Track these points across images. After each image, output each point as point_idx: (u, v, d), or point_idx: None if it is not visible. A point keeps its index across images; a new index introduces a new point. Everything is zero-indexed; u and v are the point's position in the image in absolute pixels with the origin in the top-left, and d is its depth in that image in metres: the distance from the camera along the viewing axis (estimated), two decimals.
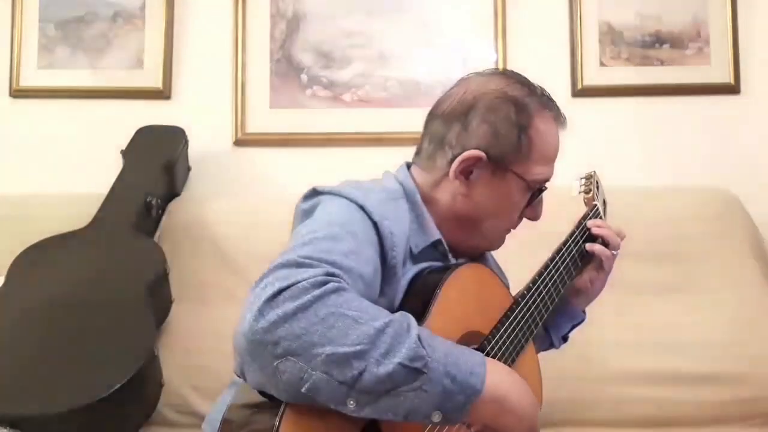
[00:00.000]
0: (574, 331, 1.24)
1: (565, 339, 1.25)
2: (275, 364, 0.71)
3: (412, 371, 0.72)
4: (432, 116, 1.07)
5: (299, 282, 0.73)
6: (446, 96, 1.07)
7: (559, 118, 1.05)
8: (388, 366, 0.71)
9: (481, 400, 0.75)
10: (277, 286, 0.73)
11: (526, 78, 1.06)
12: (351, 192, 0.93)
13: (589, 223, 1.16)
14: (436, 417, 0.73)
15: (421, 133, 1.09)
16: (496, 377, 0.78)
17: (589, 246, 1.14)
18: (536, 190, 1.04)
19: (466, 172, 1.01)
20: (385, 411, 0.72)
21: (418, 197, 1.02)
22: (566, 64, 2.10)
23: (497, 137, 0.99)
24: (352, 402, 0.71)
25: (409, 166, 1.09)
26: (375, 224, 0.90)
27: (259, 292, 0.73)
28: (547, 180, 1.05)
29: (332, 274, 0.76)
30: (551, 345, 1.24)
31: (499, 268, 1.21)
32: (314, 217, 0.91)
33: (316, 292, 0.72)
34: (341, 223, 0.86)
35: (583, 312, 1.22)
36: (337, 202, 0.92)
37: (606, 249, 1.13)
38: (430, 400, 0.72)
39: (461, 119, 1.01)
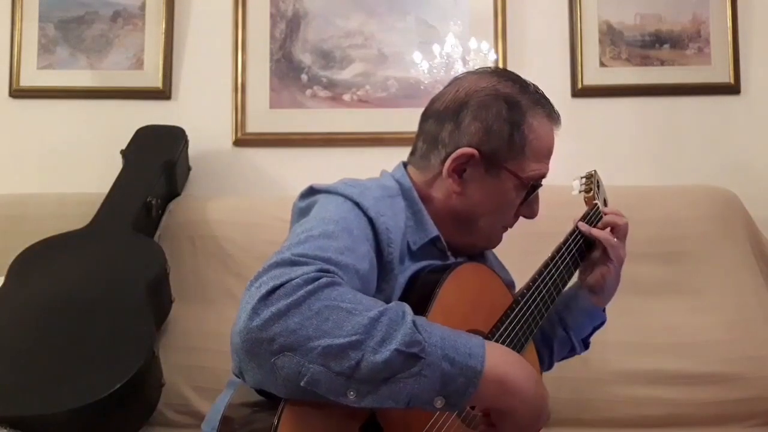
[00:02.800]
0: (596, 333, 1.23)
1: (586, 345, 1.24)
2: (272, 360, 0.71)
3: (410, 357, 0.71)
4: (426, 115, 1.07)
5: (292, 279, 0.73)
6: (439, 95, 1.07)
7: (552, 115, 1.05)
8: (384, 353, 0.70)
9: (483, 381, 0.74)
10: (271, 284, 0.73)
11: (518, 75, 1.06)
12: (347, 189, 0.94)
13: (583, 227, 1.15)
14: (439, 402, 0.73)
15: None
16: (496, 358, 0.77)
17: (595, 231, 1.13)
18: (531, 188, 1.04)
19: (459, 170, 1.01)
20: (386, 399, 0.72)
21: (415, 194, 1.03)
22: (566, 64, 2.09)
23: (489, 134, 1.00)
24: (352, 393, 0.71)
25: (405, 165, 1.10)
26: (371, 220, 0.91)
27: (253, 291, 0.74)
28: (542, 177, 1.05)
29: (326, 270, 0.76)
30: (572, 350, 1.23)
31: (502, 266, 1.21)
32: (310, 216, 0.91)
33: (309, 287, 0.73)
34: (336, 221, 0.87)
35: (603, 312, 1.20)
36: (333, 199, 0.92)
37: (610, 237, 1.13)
38: (431, 385, 0.72)
39: (453, 117, 1.01)
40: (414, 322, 0.74)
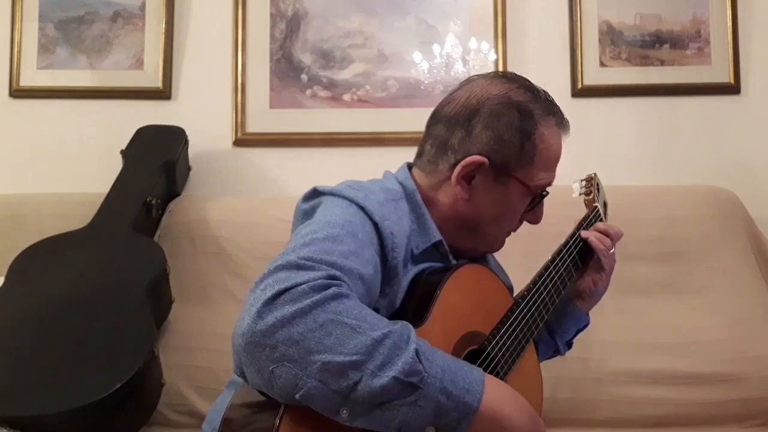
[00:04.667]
0: (579, 335, 1.24)
1: (569, 345, 1.24)
2: (271, 368, 0.71)
3: (407, 386, 0.71)
4: (435, 119, 1.06)
5: (299, 285, 0.72)
6: (450, 99, 1.06)
7: (562, 123, 1.04)
8: (383, 379, 0.70)
9: (477, 418, 0.74)
10: (277, 288, 0.72)
11: (530, 82, 1.05)
12: (351, 193, 0.93)
13: (583, 233, 1.16)
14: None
15: (421, 134, 1.09)
16: (494, 395, 0.77)
17: (590, 240, 1.13)
18: (538, 196, 1.04)
19: (468, 177, 1.00)
20: (378, 423, 0.71)
21: (419, 198, 1.02)
22: (566, 64, 2.10)
23: (500, 143, 0.99)
24: (345, 411, 0.70)
25: (410, 166, 1.09)
26: (376, 225, 0.90)
27: (258, 293, 0.73)
28: (549, 185, 1.05)
29: (333, 277, 0.75)
30: (556, 352, 1.23)
31: (501, 268, 1.20)
32: (314, 218, 0.90)
33: (316, 297, 0.72)
34: (341, 224, 0.86)
35: (587, 315, 1.21)
36: (338, 202, 0.91)
37: (603, 247, 1.13)
38: (424, 416, 0.72)
39: (464, 124, 1.00)
40: (417, 351, 0.73)
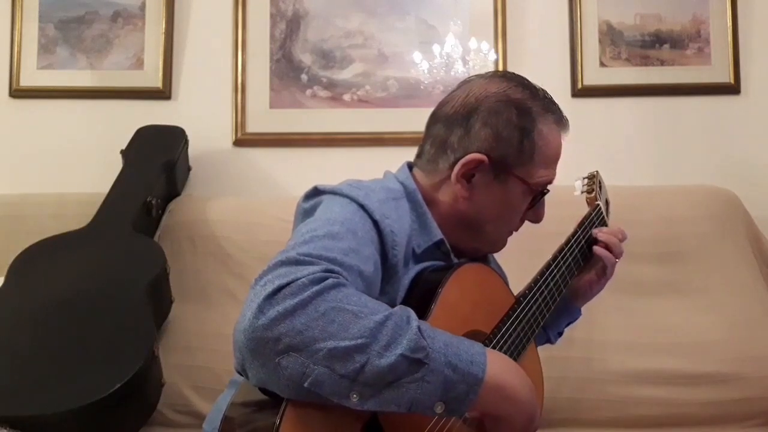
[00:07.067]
0: (569, 327, 1.25)
1: (559, 333, 1.26)
2: (277, 360, 0.71)
3: (414, 362, 0.72)
4: (434, 119, 1.07)
5: (298, 279, 0.73)
6: (448, 99, 1.06)
7: (561, 120, 1.05)
8: (389, 358, 0.71)
9: (483, 388, 0.75)
10: (277, 283, 0.73)
11: (527, 80, 1.05)
12: (352, 191, 0.93)
13: (595, 230, 1.16)
14: (439, 408, 0.73)
15: (421, 134, 1.09)
16: (497, 366, 0.78)
17: (596, 248, 1.14)
18: (538, 193, 1.04)
19: (467, 176, 1.00)
20: (388, 403, 0.72)
21: (420, 197, 1.02)
22: (566, 64, 2.10)
23: (499, 141, 0.99)
24: (355, 395, 0.71)
25: (410, 166, 1.09)
26: (376, 223, 0.90)
27: (259, 289, 0.74)
28: (550, 183, 1.05)
29: (331, 271, 0.76)
30: (547, 341, 1.25)
31: (499, 267, 1.21)
32: (315, 216, 0.91)
33: (316, 288, 0.73)
34: (342, 222, 0.87)
35: (580, 310, 1.22)
36: (338, 201, 0.92)
37: (610, 255, 1.14)
38: (433, 391, 0.73)
39: (463, 123, 1.01)
40: (419, 328, 0.74)
